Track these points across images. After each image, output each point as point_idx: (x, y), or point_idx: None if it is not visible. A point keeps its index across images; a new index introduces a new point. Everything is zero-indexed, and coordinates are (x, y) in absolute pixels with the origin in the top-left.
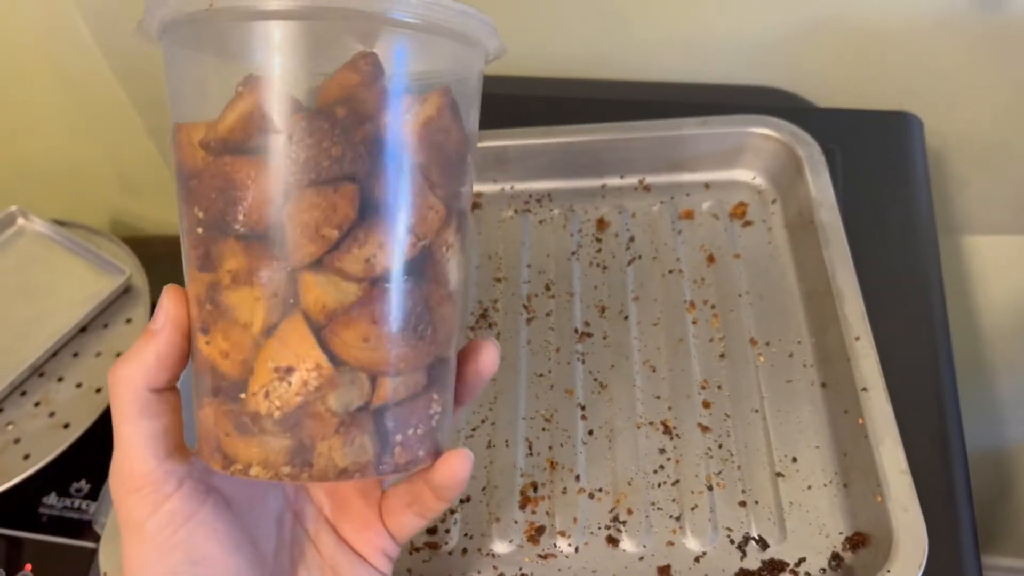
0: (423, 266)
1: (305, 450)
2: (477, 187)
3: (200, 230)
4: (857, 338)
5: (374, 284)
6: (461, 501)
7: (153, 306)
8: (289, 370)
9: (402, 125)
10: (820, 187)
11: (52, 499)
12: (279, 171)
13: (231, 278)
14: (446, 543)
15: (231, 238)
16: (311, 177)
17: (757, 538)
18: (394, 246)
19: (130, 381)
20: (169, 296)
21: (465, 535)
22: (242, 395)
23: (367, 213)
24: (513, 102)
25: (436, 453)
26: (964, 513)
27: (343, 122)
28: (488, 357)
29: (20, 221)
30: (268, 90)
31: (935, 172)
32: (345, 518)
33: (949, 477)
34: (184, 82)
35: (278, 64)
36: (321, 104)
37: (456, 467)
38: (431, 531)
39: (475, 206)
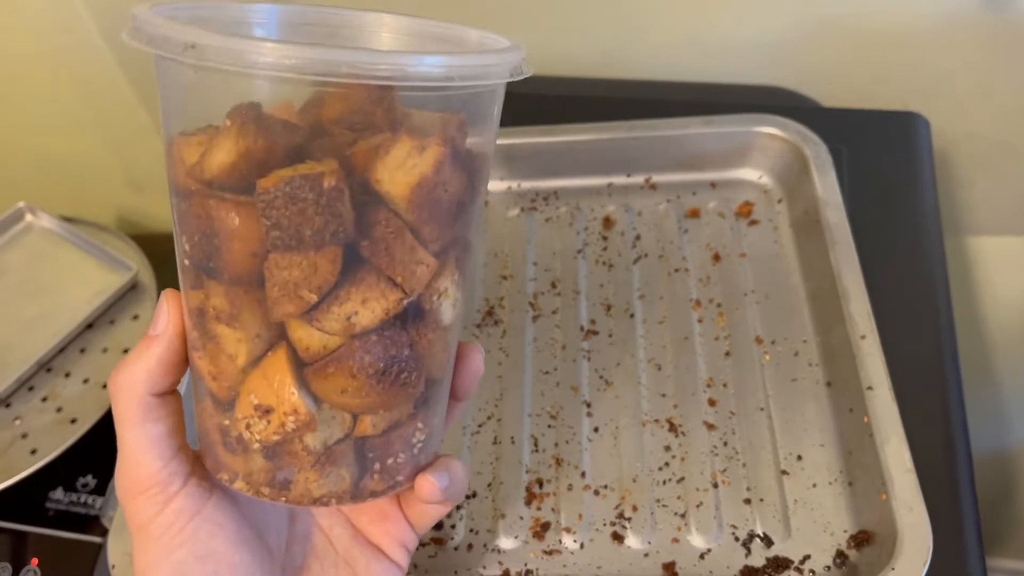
0: (411, 315)
1: (283, 477)
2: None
3: (187, 262)
4: (863, 337)
5: (355, 338)
6: (467, 497)
7: None
8: (268, 410)
9: (393, 186)
10: (826, 187)
11: (59, 494)
12: (261, 228)
13: (215, 315)
14: (452, 538)
15: (216, 282)
16: (291, 243)
17: (762, 535)
18: (377, 303)
19: (132, 387)
20: (168, 301)
21: (471, 531)
22: (228, 414)
23: (349, 271)
24: (519, 100)
25: (416, 476)
26: (969, 512)
27: (329, 193)
28: (474, 365)
29: (28, 217)
30: (255, 136)
31: (941, 172)
32: (362, 509)
33: (954, 476)
34: (175, 94)
35: (269, 98)
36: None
37: (427, 489)
38: (437, 526)
39: None
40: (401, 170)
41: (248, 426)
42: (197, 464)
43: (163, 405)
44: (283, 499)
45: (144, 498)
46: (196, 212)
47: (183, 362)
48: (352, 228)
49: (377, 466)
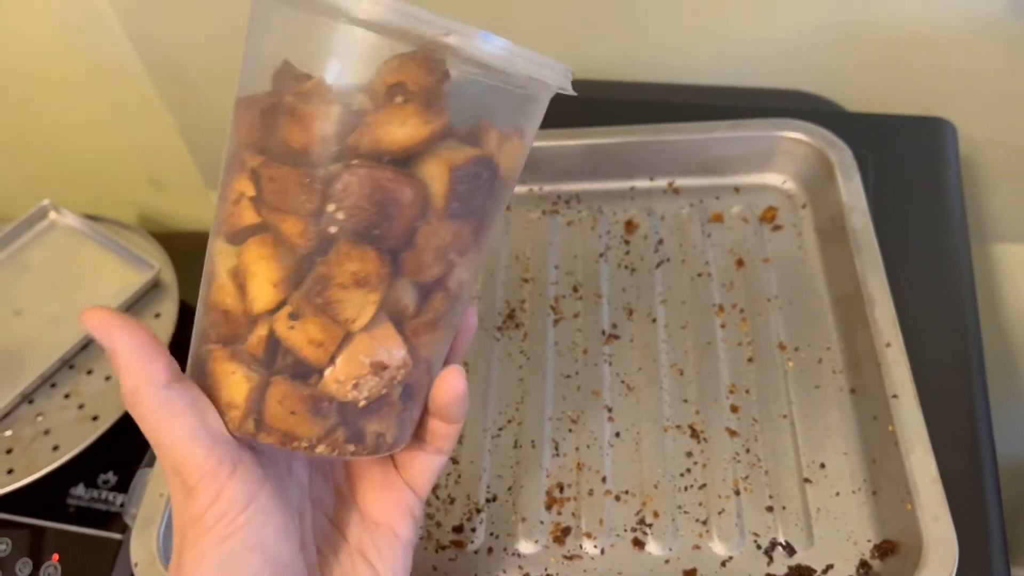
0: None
1: (367, 432)
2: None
3: (333, 229)
4: (888, 344)
5: (451, 298)
6: (487, 500)
7: (182, 302)
8: (383, 367)
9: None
10: (851, 192)
11: (80, 490)
12: (432, 198)
13: (352, 278)
14: (472, 542)
15: (368, 246)
16: (463, 214)
17: (784, 544)
18: (473, 266)
19: (139, 391)
20: (92, 318)
21: (491, 534)
22: (314, 380)
23: (474, 245)
24: None
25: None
26: (994, 522)
27: (494, 172)
28: (453, 384)
29: (52, 215)
30: (441, 116)
31: (966, 178)
32: (366, 487)
33: (980, 485)
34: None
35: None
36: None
37: (451, 383)
38: (457, 529)
39: None
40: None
41: (357, 384)
42: (244, 452)
43: (181, 396)
44: (365, 452)
45: (196, 491)
46: (366, 184)
47: (154, 348)
48: (489, 201)
49: (413, 417)
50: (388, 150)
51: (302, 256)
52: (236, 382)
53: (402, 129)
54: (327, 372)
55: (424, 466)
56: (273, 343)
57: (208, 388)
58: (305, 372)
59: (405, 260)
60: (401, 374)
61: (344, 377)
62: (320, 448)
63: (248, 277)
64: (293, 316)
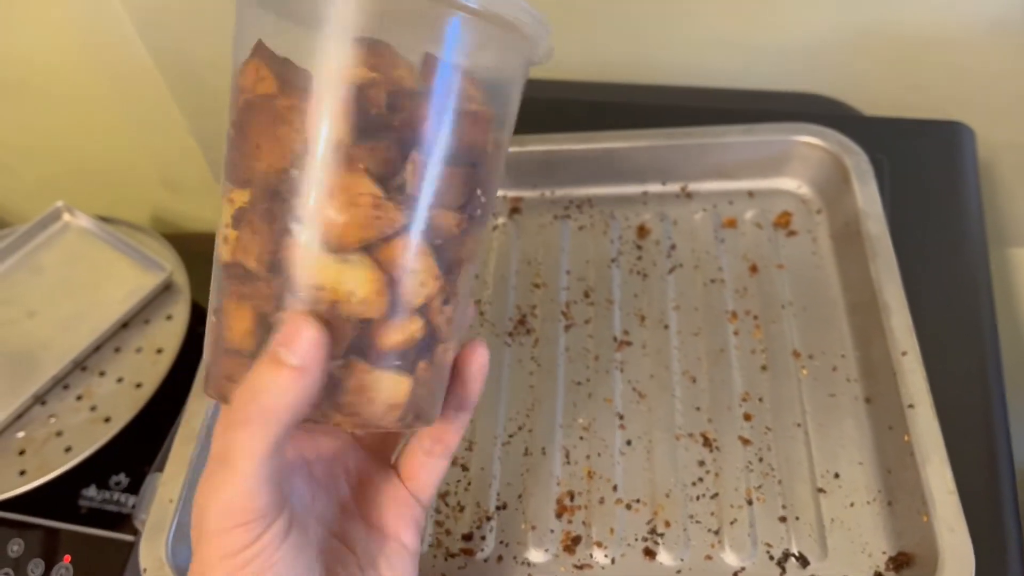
0: None
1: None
2: (517, 192)
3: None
4: (904, 353)
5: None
6: (497, 508)
7: (194, 304)
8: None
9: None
10: (867, 198)
11: (92, 491)
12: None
13: (465, 228)
14: (481, 550)
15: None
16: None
17: (797, 555)
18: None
19: (278, 417)
20: (312, 330)
21: (501, 542)
22: (439, 348)
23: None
24: (554, 106)
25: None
26: (1012, 535)
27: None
28: (480, 351)
29: (66, 217)
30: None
31: (985, 182)
32: (370, 499)
33: (997, 498)
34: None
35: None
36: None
37: (478, 350)
38: (467, 537)
39: (515, 211)
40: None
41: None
42: (287, 496)
43: (289, 438)
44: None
45: (244, 529)
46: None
47: (319, 392)
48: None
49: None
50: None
51: (457, 237)
52: (396, 385)
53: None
54: (452, 349)
55: (428, 473)
56: (425, 334)
57: (360, 403)
58: (438, 355)
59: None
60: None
61: (457, 347)
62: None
63: (403, 274)
64: (446, 302)
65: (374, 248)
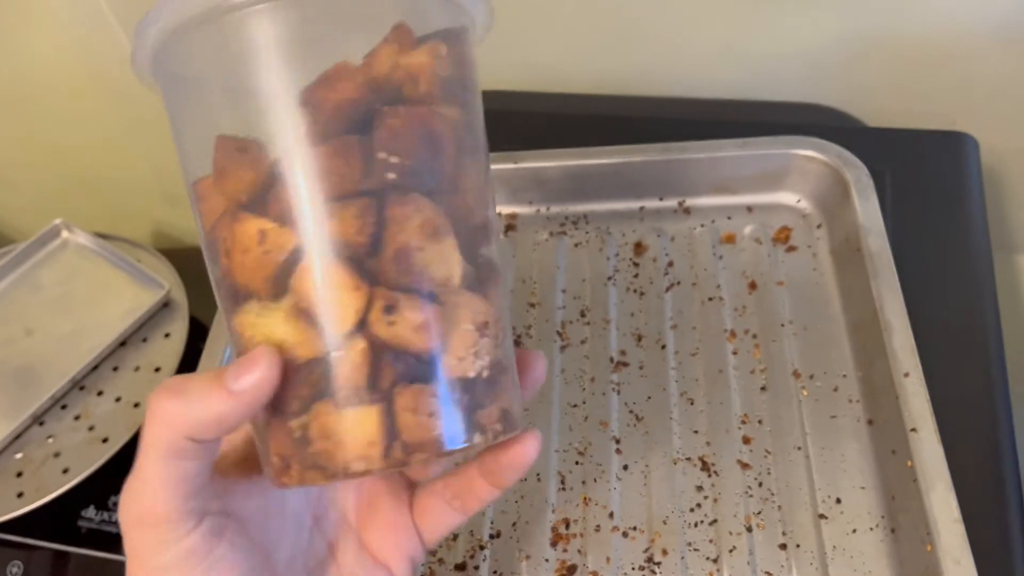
0: None
1: (504, 405)
2: (512, 208)
3: (392, 175)
4: (906, 374)
5: (489, 248)
6: (491, 536)
7: (192, 320)
8: (485, 325)
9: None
10: (868, 212)
11: (91, 512)
12: (462, 136)
13: (422, 232)
14: None
15: (416, 194)
16: (474, 149)
17: None
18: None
19: (172, 424)
20: (267, 360)
21: (494, 572)
22: (434, 372)
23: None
24: (549, 120)
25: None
26: (1020, 567)
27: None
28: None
29: (64, 234)
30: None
31: (990, 190)
32: (372, 521)
33: (1004, 527)
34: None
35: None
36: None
37: (531, 446)
38: (460, 567)
39: (510, 228)
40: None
41: (476, 353)
42: (216, 500)
43: (208, 446)
44: (510, 431)
45: (152, 532)
46: (407, 120)
47: (244, 422)
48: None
49: (517, 391)
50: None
51: (362, 245)
52: (361, 420)
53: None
54: (443, 357)
55: (442, 519)
56: (378, 353)
57: (328, 451)
58: (420, 370)
59: (456, 209)
60: (500, 329)
61: (462, 351)
62: (477, 439)
63: (317, 305)
64: (388, 310)
65: (281, 284)
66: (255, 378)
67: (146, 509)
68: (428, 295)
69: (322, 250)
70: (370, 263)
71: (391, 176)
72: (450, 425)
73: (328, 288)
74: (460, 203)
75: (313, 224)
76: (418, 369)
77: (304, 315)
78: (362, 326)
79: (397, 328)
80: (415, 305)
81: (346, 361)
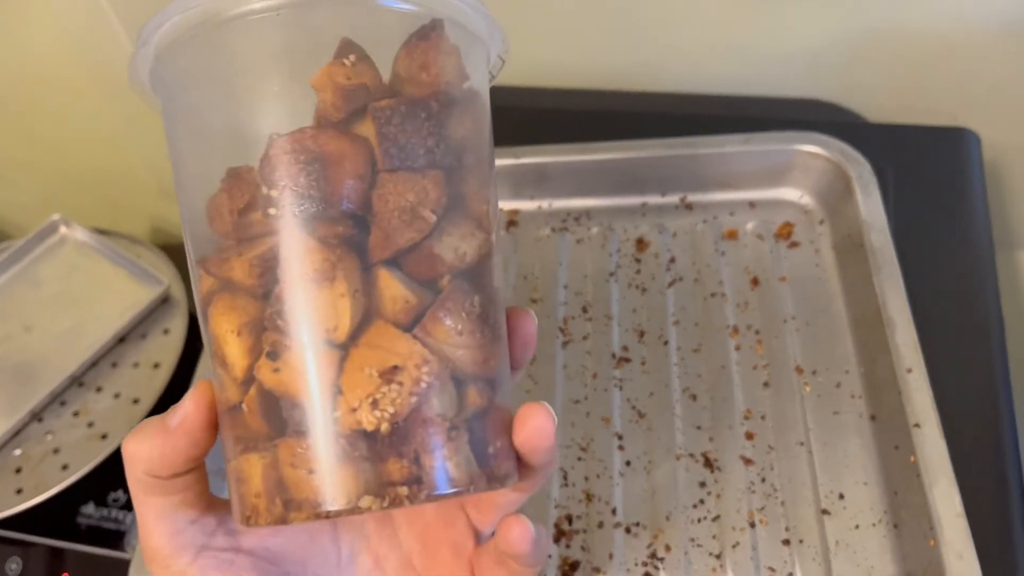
0: (489, 260)
1: (417, 465)
2: (514, 204)
3: (273, 211)
4: (909, 370)
5: (456, 276)
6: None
7: (191, 317)
8: (395, 370)
9: (484, 110)
10: (870, 208)
11: (90, 509)
12: (375, 155)
13: (309, 278)
14: None
15: (305, 235)
16: (406, 163)
17: None
18: (473, 238)
19: (132, 463)
20: (192, 399)
21: None
22: (329, 419)
23: (451, 203)
24: (551, 116)
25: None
26: (1022, 560)
27: (437, 114)
28: (524, 331)
29: (62, 230)
30: (368, 68)
31: (992, 185)
32: (434, 570)
33: (1007, 521)
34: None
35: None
36: (394, 80)
37: (533, 421)
38: None
39: (511, 224)
40: (482, 96)
41: (376, 402)
42: (217, 535)
43: (172, 482)
44: (423, 494)
45: (159, 567)
46: (287, 148)
47: (197, 455)
48: (453, 152)
49: (491, 449)
50: (323, 115)
51: (255, 285)
52: (251, 467)
53: (330, 87)
54: (330, 407)
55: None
56: (269, 403)
57: (242, 495)
58: (305, 421)
59: (372, 238)
60: (424, 373)
61: (358, 401)
62: (364, 502)
63: (222, 345)
64: (271, 355)
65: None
66: (181, 413)
67: (145, 544)
68: (318, 341)
69: (225, 295)
70: (262, 306)
71: (271, 211)
72: (332, 484)
73: (221, 332)
74: (376, 231)
75: (214, 267)
76: (303, 420)
77: (217, 358)
78: (252, 372)
79: (282, 375)
80: (299, 350)
81: (246, 407)
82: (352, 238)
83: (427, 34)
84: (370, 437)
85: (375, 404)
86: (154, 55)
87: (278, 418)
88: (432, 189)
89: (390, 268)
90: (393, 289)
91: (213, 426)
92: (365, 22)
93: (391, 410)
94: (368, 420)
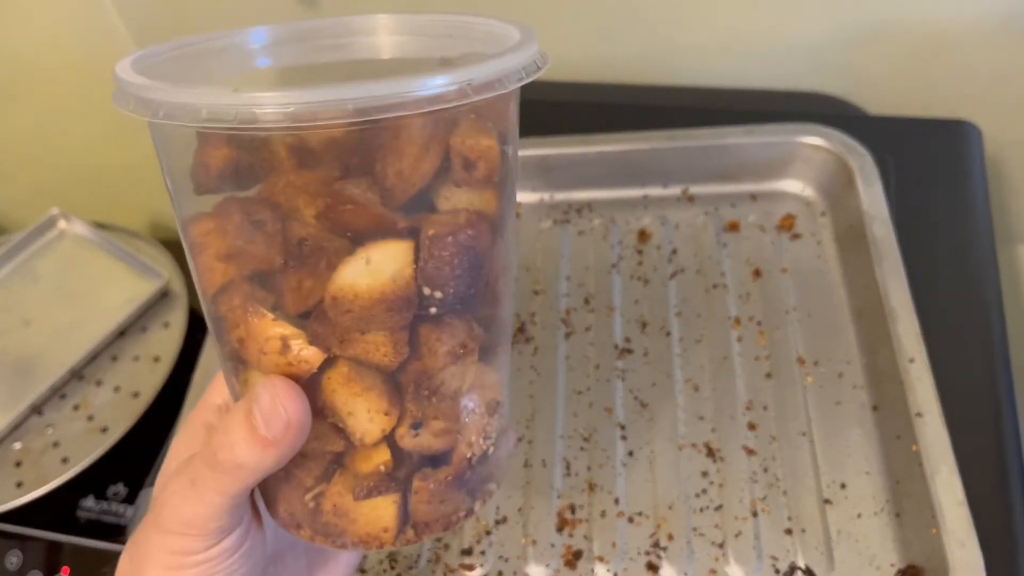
0: None
1: (500, 466)
2: (517, 196)
3: (434, 310)
4: (911, 360)
5: (500, 309)
6: (497, 522)
7: (191, 311)
8: (496, 404)
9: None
10: (872, 199)
11: (90, 502)
12: (505, 246)
13: (450, 359)
14: (481, 565)
15: (455, 318)
16: (506, 228)
17: (804, 568)
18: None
19: (246, 475)
20: (289, 401)
21: (500, 557)
22: (447, 459)
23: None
24: (554, 108)
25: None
26: (1023, 547)
27: (515, 173)
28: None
29: (62, 224)
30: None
31: (993, 179)
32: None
33: (1008, 509)
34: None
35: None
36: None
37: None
38: (466, 552)
39: None
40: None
41: (485, 436)
42: (248, 507)
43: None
44: (504, 478)
45: (196, 539)
46: (456, 246)
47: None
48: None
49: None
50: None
51: (392, 366)
52: (374, 508)
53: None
54: (458, 448)
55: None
56: (400, 459)
57: (339, 527)
58: (437, 463)
59: (480, 302)
60: (505, 395)
61: (473, 438)
62: (476, 506)
63: (345, 417)
64: (416, 426)
65: (312, 388)
66: (281, 425)
67: (203, 526)
68: (448, 402)
69: (353, 372)
70: (398, 379)
71: (432, 311)
72: (456, 503)
73: (353, 408)
74: (487, 297)
75: (350, 348)
76: (434, 463)
77: (330, 423)
78: (387, 438)
79: (420, 440)
80: (439, 416)
81: (367, 462)
82: (472, 311)
83: (510, 100)
84: (480, 459)
85: (486, 436)
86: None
87: (406, 465)
88: (513, 245)
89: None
90: (480, 336)
91: (309, 428)
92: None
93: (496, 434)
94: (481, 448)
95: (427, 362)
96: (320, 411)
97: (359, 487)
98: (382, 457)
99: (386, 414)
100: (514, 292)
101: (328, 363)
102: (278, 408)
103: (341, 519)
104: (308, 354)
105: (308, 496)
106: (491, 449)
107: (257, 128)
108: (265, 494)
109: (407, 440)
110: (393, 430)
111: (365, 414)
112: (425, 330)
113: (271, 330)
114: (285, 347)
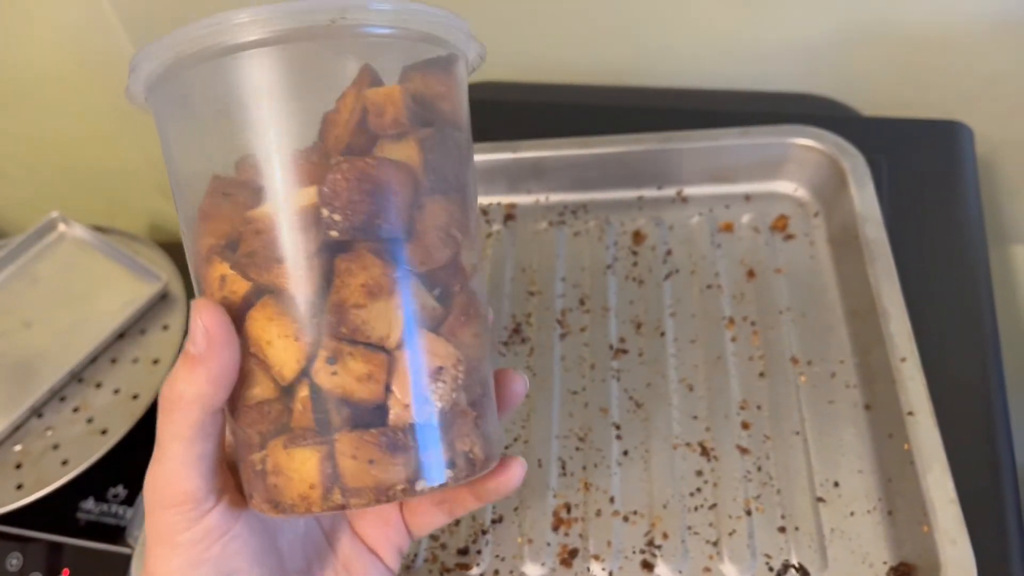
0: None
1: (453, 451)
2: (511, 198)
3: (334, 233)
4: (903, 359)
5: (465, 286)
6: (493, 521)
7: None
8: (440, 370)
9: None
10: (865, 200)
11: (90, 504)
12: (421, 179)
13: (365, 292)
14: (478, 564)
15: (367, 252)
16: (442, 188)
17: (797, 566)
18: (473, 252)
19: (188, 405)
20: (206, 313)
21: (496, 556)
22: (379, 418)
23: (467, 221)
24: (548, 110)
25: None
26: (1015, 546)
27: (459, 141)
28: (517, 389)
29: (61, 227)
30: (390, 95)
31: (985, 180)
32: (363, 515)
33: (1000, 507)
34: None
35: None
36: (411, 107)
37: (515, 474)
38: (462, 552)
39: (509, 217)
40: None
41: (424, 401)
42: (231, 481)
43: (214, 423)
44: (463, 475)
45: (177, 511)
46: (358, 176)
47: (235, 375)
48: (468, 171)
49: (491, 429)
50: (378, 133)
51: (308, 296)
52: (302, 461)
53: (387, 107)
54: (389, 402)
55: (429, 518)
56: (321, 401)
57: (279, 487)
58: (366, 416)
59: (411, 253)
60: (461, 371)
61: (408, 398)
62: (419, 486)
63: (264, 348)
64: (331, 360)
65: (239, 327)
66: (201, 335)
67: (171, 489)
68: (373, 346)
69: (270, 300)
70: (313, 313)
71: (333, 233)
72: (391, 471)
73: (269, 336)
74: (418, 248)
75: (265, 274)
76: (361, 416)
77: (255, 358)
78: (305, 374)
79: (339, 378)
80: (357, 356)
81: (294, 404)
82: (397, 255)
83: (447, 67)
84: (421, 428)
85: (425, 401)
86: (148, 84)
87: (329, 415)
88: (457, 211)
89: (423, 281)
90: (426, 299)
91: (235, 341)
92: (364, 52)
93: (439, 405)
94: (420, 415)
95: (342, 294)
96: (248, 349)
97: (289, 437)
98: (302, 395)
99: (296, 339)
100: (510, 293)
101: (255, 295)
102: (197, 322)
103: (279, 477)
104: (235, 284)
105: (256, 456)
106: (437, 419)
107: None
108: (240, 478)
109: (323, 375)
110: (309, 363)
111: (279, 340)
112: (339, 260)
113: (216, 271)
114: (222, 282)
